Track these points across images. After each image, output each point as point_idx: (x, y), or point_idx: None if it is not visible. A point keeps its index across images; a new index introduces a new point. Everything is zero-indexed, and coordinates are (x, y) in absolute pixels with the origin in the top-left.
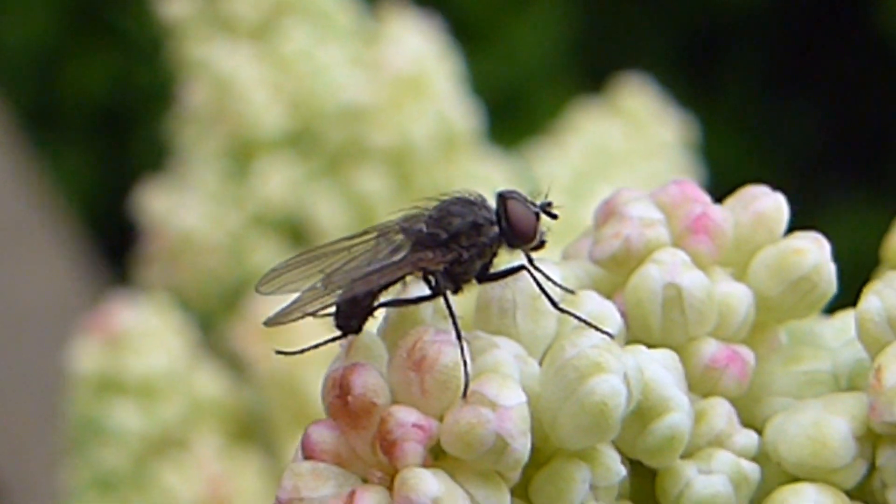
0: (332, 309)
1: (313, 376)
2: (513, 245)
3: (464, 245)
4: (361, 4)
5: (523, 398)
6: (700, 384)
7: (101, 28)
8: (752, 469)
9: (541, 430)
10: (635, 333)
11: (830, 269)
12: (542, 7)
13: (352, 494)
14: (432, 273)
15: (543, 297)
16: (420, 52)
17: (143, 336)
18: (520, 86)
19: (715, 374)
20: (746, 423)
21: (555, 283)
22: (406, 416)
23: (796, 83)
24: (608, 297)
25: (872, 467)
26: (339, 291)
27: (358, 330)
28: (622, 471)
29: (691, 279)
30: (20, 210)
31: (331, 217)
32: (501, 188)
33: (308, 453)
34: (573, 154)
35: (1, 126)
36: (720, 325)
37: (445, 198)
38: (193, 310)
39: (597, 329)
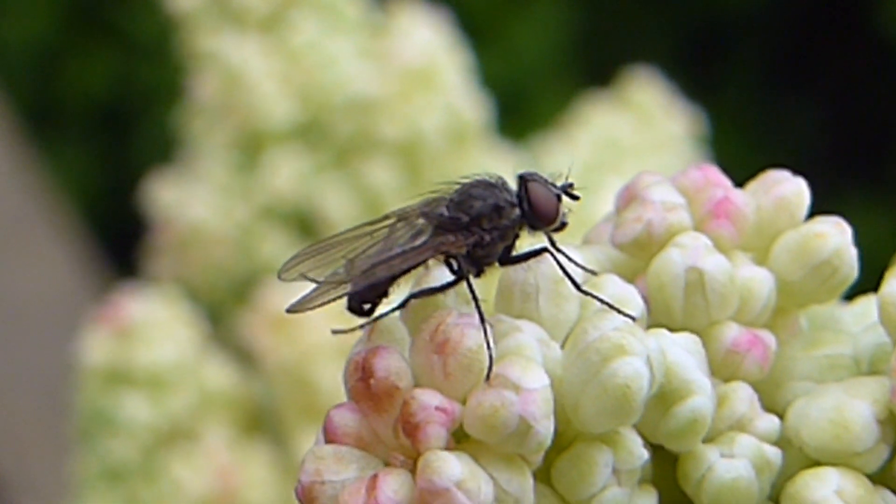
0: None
1: (322, 368)
2: (534, 227)
3: (485, 228)
4: None
5: (546, 381)
6: (722, 368)
7: (102, 26)
8: (774, 453)
9: (563, 413)
10: (657, 318)
11: (852, 254)
12: (545, 6)
13: (374, 478)
14: (454, 257)
15: (566, 280)
16: (429, 44)
17: (152, 328)
18: (522, 84)
19: (737, 359)
20: (768, 408)
21: (577, 264)
22: (429, 398)
23: (797, 82)
24: (629, 281)
25: (894, 451)
26: (361, 276)
27: (369, 313)
28: (644, 454)
29: (713, 263)
30: (21, 207)
31: (340, 209)
32: (521, 171)
33: (330, 437)
34: (582, 147)
35: (2, 124)
36: (742, 309)
37: (466, 181)
38: (202, 302)
39: (619, 312)
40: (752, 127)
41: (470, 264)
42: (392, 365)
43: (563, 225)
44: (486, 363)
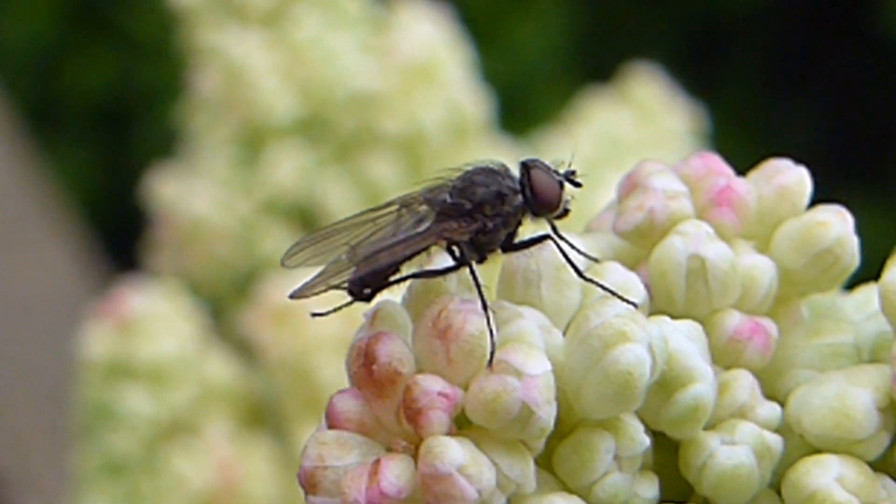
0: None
1: (323, 362)
2: (537, 214)
3: (488, 214)
4: None
5: (549, 367)
6: (723, 356)
7: (102, 25)
8: (775, 441)
9: (565, 400)
10: (659, 305)
11: (853, 242)
12: (545, 6)
13: (376, 463)
14: (457, 243)
15: (568, 267)
16: (430, 39)
17: (153, 321)
18: (523, 84)
19: (738, 347)
20: (769, 396)
21: (579, 251)
22: (431, 384)
23: (797, 82)
24: (632, 269)
25: (895, 439)
26: (364, 263)
27: (369, 298)
28: (646, 441)
29: (715, 251)
30: (21, 206)
31: (341, 204)
32: (524, 158)
33: (332, 422)
34: (583, 143)
35: (2, 122)
36: (743, 297)
37: (469, 168)
38: (203, 296)
39: (621, 299)
40: (752, 126)
41: (472, 251)
42: (394, 351)
43: (566, 212)
44: (489, 349)
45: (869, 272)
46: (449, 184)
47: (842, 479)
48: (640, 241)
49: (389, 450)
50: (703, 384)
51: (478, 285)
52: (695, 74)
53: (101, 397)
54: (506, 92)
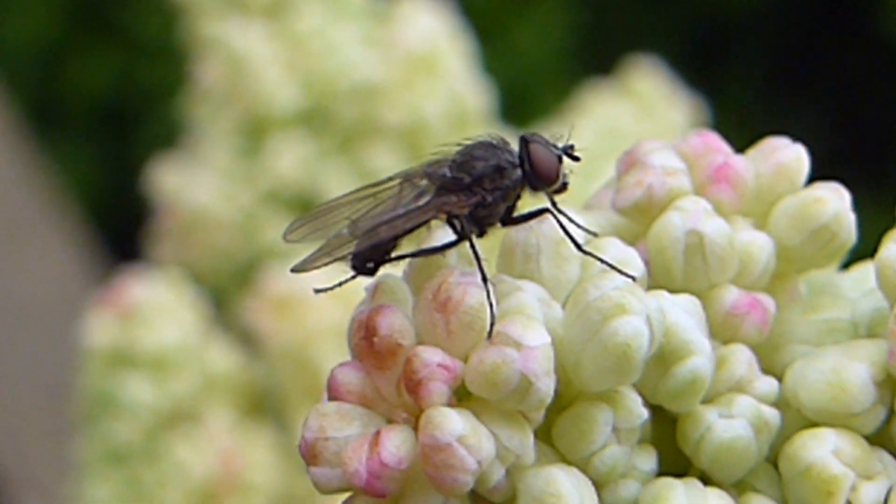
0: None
1: (324, 351)
2: (536, 188)
3: (487, 188)
4: None
5: (548, 338)
6: (721, 331)
7: (104, 25)
8: (772, 414)
9: (564, 373)
10: (657, 280)
11: (850, 219)
12: (548, 5)
13: (377, 434)
14: (457, 217)
15: (567, 241)
16: (432, 31)
17: (155, 311)
18: (525, 84)
19: (736, 321)
20: (767, 370)
21: (578, 225)
22: (431, 356)
23: (800, 82)
24: (630, 245)
25: (891, 413)
26: (365, 237)
27: (372, 273)
28: (644, 413)
29: (713, 226)
30: (25, 204)
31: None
32: (523, 132)
33: (333, 394)
34: (584, 135)
35: (5, 122)
36: (741, 273)
37: (468, 142)
38: (205, 285)
39: (620, 272)
40: (754, 126)
41: (472, 224)
42: (395, 323)
43: (565, 185)
44: (488, 321)
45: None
46: (448, 158)
47: (838, 453)
48: (638, 218)
49: (390, 421)
50: (700, 358)
51: (477, 259)
52: (697, 73)
53: (104, 386)
54: (508, 89)
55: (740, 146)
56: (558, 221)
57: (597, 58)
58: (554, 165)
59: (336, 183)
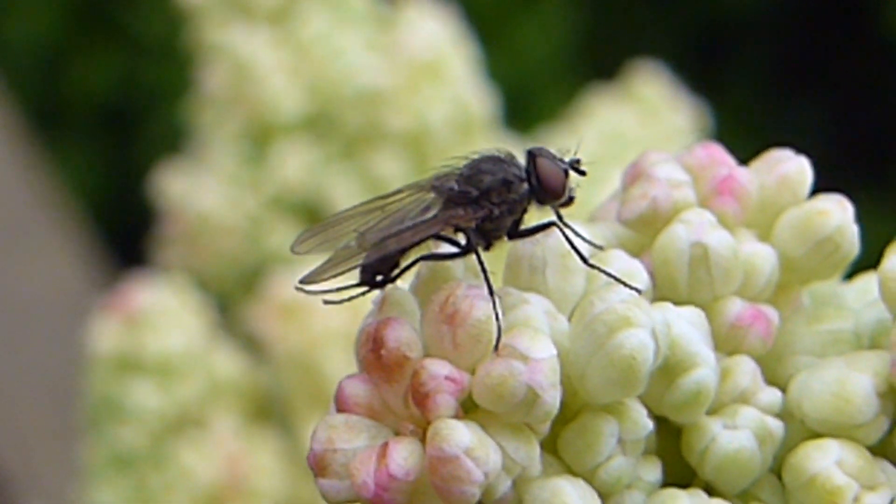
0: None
1: (330, 356)
2: (542, 201)
3: (494, 202)
4: None
5: (554, 351)
6: (725, 342)
7: (106, 26)
8: (776, 425)
9: (570, 385)
10: (662, 292)
11: (853, 231)
12: (549, 7)
13: (385, 446)
14: (464, 230)
15: (573, 254)
16: (436, 36)
17: (161, 316)
18: (528, 85)
19: (740, 333)
20: (770, 381)
21: (584, 238)
22: (439, 368)
23: (802, 83)
24: (635, 257)
25: (894, 423)
26: (373, 249)
27: (382, 285)
28: (649, 425)
29: (717, 238)
30: (28, 205)
31: (347, 199)
32: (530, 146)
33: (341, 406)
34: (587, 140)
35: (7, 123)
36: (745, 284)
37: (476, 156)
38: (211, 291)
39: (625, 285)
40: (757, 126)
41: (479, 237)
42: (403, 335)
43: (571, 199)
44: (495, 334)
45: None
46: (456, 172)
47: (841, 463)
48: (643, 230)
49: (398, 433)
50: (705, 369)
51: (484, 271)
52: (700, 74)
53: (109, 391)
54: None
55: (742, 146)
56: (564, 235)
57: (600, 59)
58: (560, 180)
59: (341, 189)
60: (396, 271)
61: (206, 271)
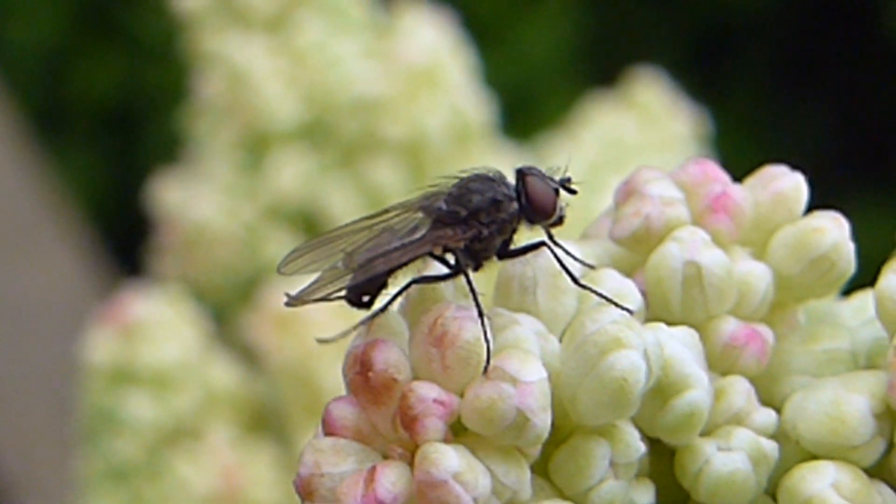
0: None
1: (326, 367)
2: (532, 221)
3: (483, 222)
4: None
5: (544, 374)
6: (719, 362)
7: (109, 29)
8: (771, 447)
9: (561, 406)
10: (655, 312)
11: (849, 248)
12: (552, 8)
13: (372, 470)
14: (452, 250)
15: (564, 274)
16: (433, 44)
17: (156, 326)
18: (529, 86)
19: (734, 353)
20: (765, 402)
21: (575, 258)
22: (427, 391)
23: (806, 84)
24: (628, 276)
25: (891, 445)
26: (360, 270)
27: (369, 306)
28: (642, 447)
29: (711, 257)
30: (28, 209)
31: (344, 209)
32: (520, 165)
33: (329, 429)
34: (587, 146)
35: (9, 126)
36: (739, 303)
37: (464, 175)
38: (207, 301)
39: (617, 305)
40: (759, 128)
41: (468, 258)
42: (391, 358)
43: (561, 219)
44: (484, 356)
45: (877, 273)
46: (444, 191)
47: (837, 485)
48: (636, 248)
49: (386, 457)
50: (698, 390)
51: (473, 292)
52: (701, 77)
53: (105, 402)
54: (511, 95)
55: (743, 152)
56: (555, 254)
57: (601, 61)
58: (551, 199)
59: (338, 197)
60: (383, 292)
61: (202, 281)
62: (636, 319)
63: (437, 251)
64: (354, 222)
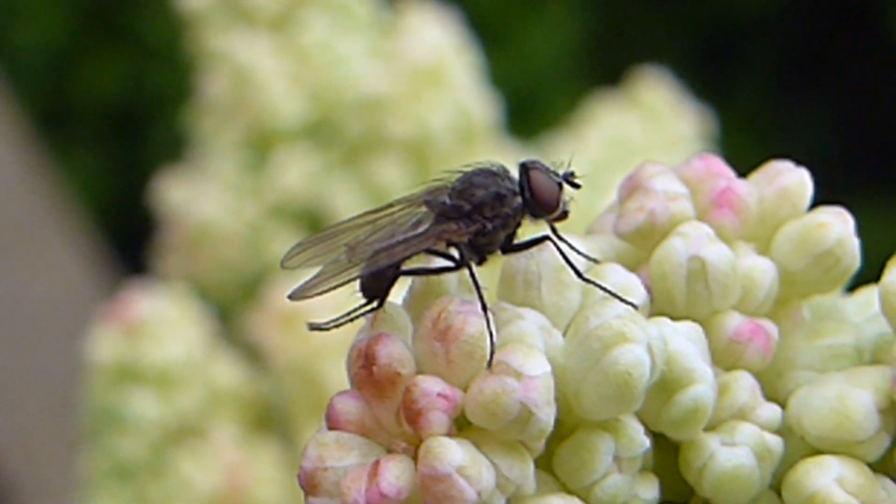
0: (357, 282)
1: (330, 366)
2: (536, 215)
3: (487, 216)
4: None
5: (548, 368)
6: (724, 357)
7: (114, 30)
8: (775, 442)
9: (565, 401)
10: (659, 307)
11: (854, 244)
12: (556, 9)
13: (376, 464)
14: (456, 245)
15: (568, 268)
16: (438, 43)
17: (161, 325)
18: (534, 87)
19: (739, 348)
20: (770, 397)
21: (579, 252)
22: (431, 385)
23: (810, 86)
24: (632, 271)
25: (895, 440)
26: (363, 264)
27: (384, 298)
28: (646, 442)
29: (715, 252)
30: (33, 210)
31: (349, 207)
32: (523, 159)
33: (333, 423)
34: (591, 146)
35: (15, 127)
36: (744, 298)
37: (468, 169)
38: (211, 300)
39: (621, 300)
40: (763, 129)
41: (472, 252)
42: (394, 352)
43: (565, 213)
44: (488, 350)
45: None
46: (448, 186)
47: (842, 481)
48: (640, 243)
49: (389, 451)
50: (702, 385)
51: (477, 287)
52: (706, 78)
53: (109, 401)
54: (516, 95)
55: (748, 151)
56: (559, 249)
57: (605, 61)
58: (555, 193)
59: (342, 196)
60: (389, 286)
61: (207, 280)
62: (640, 314)
63: (441, 245)
64: (358, 217)
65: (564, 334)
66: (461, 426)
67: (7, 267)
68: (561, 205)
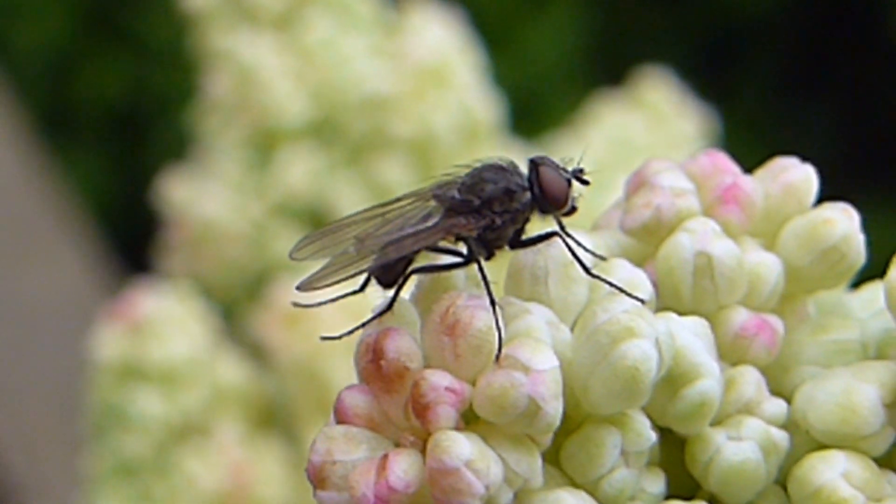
0: (367, 274)
1: (334, 364)
2: (545, 211)
3: (496, 211)
4: None
5: (556, 362)
6: (730, 353)
7: (115, 31)
8: (781, 436)
9: (572, 396)
10: (666, 302)
11: (859, 240)
12: (559, 11)
13: (384, 458)
14: (465, 239)
15: (575, 263)
16: (442, 42)
17: (165, 323)
18: (536, 87)
19: (744, 343)
20: (775, 392)
21: (587, 249)
22: (439, 379)
23: (813, 86)
24: (639, 266)
25: None
26: (372, 256)
27: (394, 299)
28: (653, 436)
29: (722, 248)
30: (35, 211)
31: (352, 206)
32: (533, 155)
33: (341, 417)
34: (594, 146)
35: (16, 129)
36: (750, 294)
37: (478, 164)
38: (216, 298)
39: (628, 295)
40: (766, 129)
41: (480, 247)
42: (403, 346)
43: (574, 209)
44: (496, 344)
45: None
46: (458, 180)
47: (847, 475)
48: (647, 239)
49: (397, 445)
50: (709, 380)
51: (485, 281)
52: (709, 79)
53: (113, 399)
54: (519, 96)
55: (751, 152)
56: (566, 244)
57: (609, 61)
58: (563, 189)
59: (346, 195)
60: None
61: (211, 278)
62: (647, 309)
63: (450, 240)
64: (366, 210)
65: (572, 329)
66: (469, 420)
67: (10, 267)
68: (570, 200)
